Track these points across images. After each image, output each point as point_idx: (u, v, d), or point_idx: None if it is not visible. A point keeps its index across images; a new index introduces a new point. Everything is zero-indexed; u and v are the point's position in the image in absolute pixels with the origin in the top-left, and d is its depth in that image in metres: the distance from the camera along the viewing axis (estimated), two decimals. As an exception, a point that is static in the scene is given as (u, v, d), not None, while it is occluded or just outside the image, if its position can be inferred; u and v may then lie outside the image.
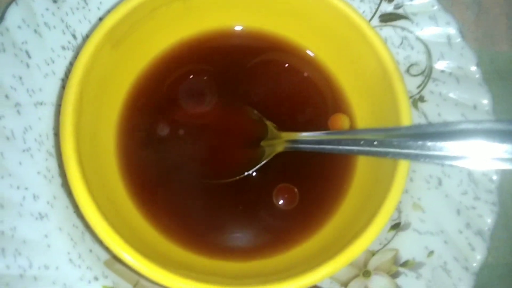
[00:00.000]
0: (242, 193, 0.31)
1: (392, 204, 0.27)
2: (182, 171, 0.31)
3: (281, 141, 0.31)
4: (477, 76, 0.35)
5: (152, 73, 0.33)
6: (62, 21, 0.33)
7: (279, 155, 0.32)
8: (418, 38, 0.36)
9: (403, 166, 0.28)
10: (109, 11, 0.34)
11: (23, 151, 0.31)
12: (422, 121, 0.35)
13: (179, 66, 0.33)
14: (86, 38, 0.34)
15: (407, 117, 0.29)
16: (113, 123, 0.31)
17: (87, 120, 0.28)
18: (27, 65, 0.32)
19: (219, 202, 0.31)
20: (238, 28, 0.34)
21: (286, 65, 0.35)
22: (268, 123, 0.32)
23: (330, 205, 0.31)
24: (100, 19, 0.34)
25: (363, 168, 0.32)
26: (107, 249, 0.29)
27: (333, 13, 0.31)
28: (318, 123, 0.34)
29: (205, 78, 0.33)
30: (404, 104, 0.29)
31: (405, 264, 0.32)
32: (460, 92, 0.35)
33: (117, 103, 0.31)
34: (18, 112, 0.32)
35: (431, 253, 0.32)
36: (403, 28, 0.36)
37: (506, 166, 0.25)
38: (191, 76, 0.33)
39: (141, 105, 0.32)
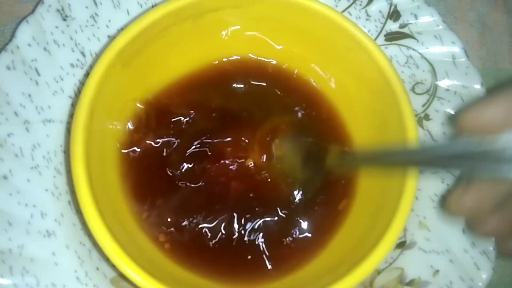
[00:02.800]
0: (248, 216, 0.31)
1: (400, 223, 0.27)
2: (190, 195, 0.31)
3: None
4: (481, 95, 0.35)
5: (162, 93, 0.33)
6: (71, 38, 0.34)
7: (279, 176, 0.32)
8: (423, 57, 0.36)
9: (410, 185, 0.28)
10: (118, 30, 0.34)
11: (31, 168, 0.31)
12: (428, 139, 0.35)
13: (191, 88, 0.33)
14: (95, 55, 0.34)
15: (414, 137, 0.29)
16: (123, 142, 0.31)
17: (97, 139, 0.28)
18: (36, 83, 0.33)
19: (226, 227, 0.31)
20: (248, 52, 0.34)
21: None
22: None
23: (336, 225, 0.31)
24: (109, 36, 0.34)
25: (369, 187, 0.32)
26: (113, 267, 0.29)
27: (339, 31, 0.31)
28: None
29: (218, 108, 0.33)
30: (411, 124, 0.29)
31: (410, 283, 0.32)
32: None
33: (127, 122, 0.32)
34: (27, 129, 0.32)
35: (436, 272, 0.32)
36: (408, 47, 0.36)
37: None
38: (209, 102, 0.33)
39: (152, 125, 0.32)
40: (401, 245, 0.33)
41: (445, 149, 0.25)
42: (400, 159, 0.27)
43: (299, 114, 0.34)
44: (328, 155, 0.31)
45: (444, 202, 0.28)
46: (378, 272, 0.32)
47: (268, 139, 0.33)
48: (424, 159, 0.26)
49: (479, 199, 0.25)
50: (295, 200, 0.32)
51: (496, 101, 0.24)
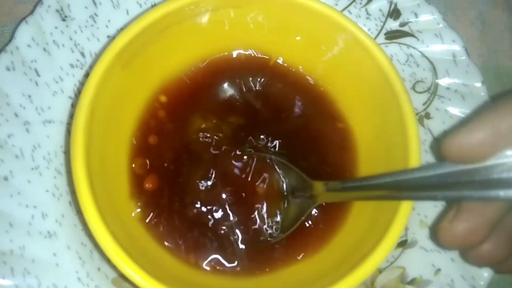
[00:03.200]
0: (250, 216, 0.31)
1: (402, 223, 0.27)
2: (192, 195, 0.31)
3: (320, 191, 0.30)
4: (482, 93, 0.35)
5: (163, 93, 0.33)
6: (71, 39, 0.34)
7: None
8: (423, 55, 0.36)
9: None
10: (117, 30, 0.34)
11: (32, 169, 0.31)
12: (428, 137, 0.35)
13: (192, 88, 0.33)
14: (94, 56, 0.34)
15: (414, 136, 0.29)
16: (123, 143, 0.31)
17: (97, 140, 0.28)
18: (36, 84, 0.33)
19: (231, 225, 0.31)
20: (248, 51, 0.34)
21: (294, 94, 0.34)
22: (299, 172, 0.31)
23: (337, 224, 0.31)
24: (109, 37, 0.34)
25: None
26: (115, 267, 0.29)
27: (339, 30, 0.31)
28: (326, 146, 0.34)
29: (219, 107, 0.33)
30: (411, 123, 0.29)
31: (412, 282, 0.32)
32: (466, 109, 0.35)
33: (127, 123, 0.31)
34: (27, 130, 0.32)
35: (438, 271, 0.32)
36: (408, 46, 0.36)
37: None
38: (203, 102, 0.33)
39: (152, 126, 0.32)
40: (402, 244, 0.33)
41: (431, 178, 0.24)
42: (385, 190, 0.27)
43: (298, 112, 0.34)
44: (313, 188, 0.31)
45: (435, 234, 0.27)
46: (380, 271, 0.32)
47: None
48: (409, 188, 0.25)
49: (470, 227, 0.24)
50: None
51: (480, 125, 0.23)
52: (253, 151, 0.32)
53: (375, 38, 0.36)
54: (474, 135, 0.23)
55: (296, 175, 0.31)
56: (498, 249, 0.25)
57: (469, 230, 0.25)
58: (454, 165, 0.24)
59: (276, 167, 0.32)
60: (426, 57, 0.36)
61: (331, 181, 0.30)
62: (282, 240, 0.31)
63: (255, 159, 0.32)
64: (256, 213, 0.31)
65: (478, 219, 0.24)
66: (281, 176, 0.32)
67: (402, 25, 0.36)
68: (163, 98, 0.33)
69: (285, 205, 0.32)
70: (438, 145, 0.26)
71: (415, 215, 0.33)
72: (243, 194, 0.31)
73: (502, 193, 0.22)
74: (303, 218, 0.31)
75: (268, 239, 0.31)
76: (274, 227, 0.31)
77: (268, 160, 0.32)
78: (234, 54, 0.34)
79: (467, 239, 0.25)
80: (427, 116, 0.35)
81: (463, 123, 0.24)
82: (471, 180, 0.23)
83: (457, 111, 0.35)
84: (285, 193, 0.32)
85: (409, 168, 0.28)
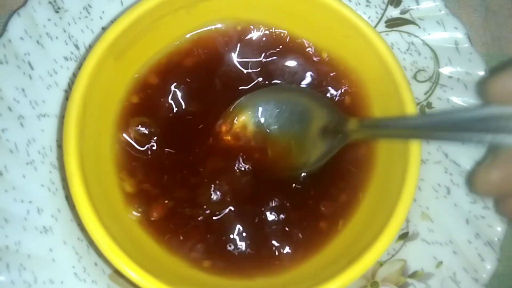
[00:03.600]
0: (247, 207, 0.31)
1: (402, 214, 0.27)
2: (188, 186, 0.31)
3: (354, 128, 0.29)
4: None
5: (156, 84, 0.32)
6: (65, 31, 0.33)
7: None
8: (425, 43, 0.35)
9: (412, 175, 0.28)
10: (112, 21, 0.34)
11: (27, 163, 0.31)
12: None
13: (184, 76, 0.32)
14: (88, 48, 0.33)
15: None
16: (117, 135, 0.31)
17: (90, 132, 0.28)
18: (30, 77, 0.32)
19: (225, 218, 0.30)
20: (244, 35, 0.33)
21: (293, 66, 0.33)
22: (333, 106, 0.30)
23: (338, 217, 0.31)
24: (103, 28, 0.34)
25: (371, 178, 0.31)
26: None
27: (337, 18, 0.31)
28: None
29: (213, 88, 0.32)
30: (412, 113, 0.28)
31: (413, 275, 0.32)
32: (469, 98, 0.34)
33: (121, 116, 0.31)
34: (21, 124, 0.31)
35: (440, 263, 0.32)
36: (409, 34, 0.35)
37: None
38: (199, 86, 0.32)
39: (146, 117, 0.31)
40: (404, 236, 0.32)
41: (473, 113, 0.23)
42: (422, 130, 0.26)
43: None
44: (348, 124, 0.30)
45: (471, 182, 0.27)
46: (380, 264, 0.32)
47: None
48: (448, 124, 0.25)
49: (505, 174, 0.24)
50: (297, 185, 0.31)
51: None
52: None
53: (375, 26, 0.35)
54: None
55: (329, 110, 0.31)
56: None
57: (504, 177, 0.25)
58: (495, 107, 0.23)
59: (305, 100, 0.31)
60: (427, 45, 0.35)
61: (367, 118, 0.30)
62: (283, 234, 0.31)
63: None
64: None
65: None
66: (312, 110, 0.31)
67: (403, 12, 0.35)
68: (157, 87, 0.32)
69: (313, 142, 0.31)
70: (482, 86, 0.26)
71: (416, 207, 0.32)
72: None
73: None
74: (333, 153, 0.30)
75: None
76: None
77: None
78: (229, 43, 0.33)
79: (502, 187, 0.25)
80: (429, 105, 0.35)
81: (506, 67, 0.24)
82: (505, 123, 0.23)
83: (460, 100, 0.34)
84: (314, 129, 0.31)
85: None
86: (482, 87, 0.24)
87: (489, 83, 0.24)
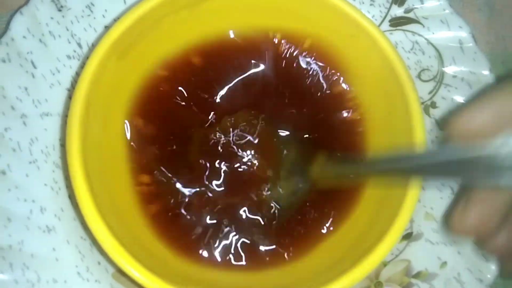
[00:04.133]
0: (254, 210, 0.31)
1: (407, 215, 0.27)
2: (194, 183, 0.31)
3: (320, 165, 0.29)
4: (490, 81, 0.34)
5: (160, 83, 0.32)
6: (67, 29, 0.33)
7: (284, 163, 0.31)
8: (429, 43, 0.35)
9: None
10: (114, 19, 0.34)
11: (30, 163, 0.31)
12: (434, 128, 0.34)
13: (190, 75, 0.32)
14: (91, 47, 0.33)
15: (420, 125, 0.28)
16: (121, 134, 0.31)
17: (93, 131, 0.28)
18: (33, 75, 0.32)
19: (231, 217, 0.30)
20: (249, 33, 0.33)
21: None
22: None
23: (342, 217, 0.31)
24: (106, 27, 0.34)
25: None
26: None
27: (341, 17, 0.30)
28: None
29: (219, 89, 0.32)
30: (416, 113, 0.28)
31: (417, 275, 0.31)
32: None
33: (124, 115, 0.31)
34: (24, 123, 0.31)
35: (444, 264, 0.31)
36: (413, 33, 0.35)
37: None
38: (205, 86, 0.32)
39: (150, 116, 0.31)
40: (408, 236, 0.32)
41: (437, 157, 0.24)
42: (390, 168, 0.26)
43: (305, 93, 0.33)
44: (314, 163, 0.30)
45: (447, 224, 0.27)
46: (384, 264, 0.32)
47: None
48: (415, 167, 0.25)
49: (482, 215, 0.24)
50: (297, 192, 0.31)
51: (486, 104, 0.23)
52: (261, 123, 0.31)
53: (379, 25, 0.35)
54: (479, 115, 0.23)
55: (297, 147, 0.31)
56: None
57: (481, 219, 0.24)
58: (457, 148, 0.23)
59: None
60: (432, 44, 0.35)
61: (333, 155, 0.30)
62: (286, 233, 0.31)
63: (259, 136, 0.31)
64: (256, 194, 0.31)
65: (489, 208, 0.24)
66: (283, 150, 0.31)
67: (407, 11, 0.35)
68: (161, 86, 0.32)
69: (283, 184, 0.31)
70: (442, 124, 0.26)
71: (420, 207, 0.32)
72: (246, 176, 0.31)
73: (503, 180, 0.21)
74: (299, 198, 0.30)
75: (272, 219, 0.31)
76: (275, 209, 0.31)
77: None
78: (231, 35, 0.33)
79: (480, 228, 0.24)
80: (433, 105, 0.34)
81: (468, 103, 0.24)
82: (477, 163, 0.22)
83: (464, 100, 0.34)
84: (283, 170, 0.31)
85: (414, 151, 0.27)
86: (445, 122, 0.24)
87: (451, 121, 0.24)
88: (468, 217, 0.24)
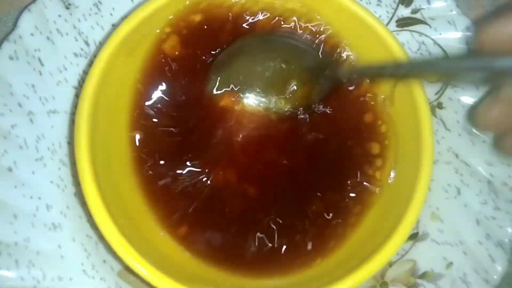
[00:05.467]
0: (263, 208, 0.30)
1: (414, 215, 0.27)
2: (203, 183, 0.30)
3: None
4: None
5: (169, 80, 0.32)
6: (75, 27, 0.33)
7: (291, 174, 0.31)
8: (436, 43, 0.35)
9: (424, 176, 0.27)
10: (122, 18, 0.34)
11: (36, 160, 0.31)
12: (441, 128, 0.34)
13: (197, 73, 0.32)
14: (98, 44, 0.33)
15: (428, 126, 0.28)
16: (129, 131, 0.31)
17: (102, 129, 0.28)
18: (40, 73, 0.32)
19: (240, 216, 0.30)
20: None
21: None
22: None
23: (348, 218, 0.31)
24: (113, 25, 0.34)
25: (383, 179, 0.31)
26: (120, 259, 0.29)
27: (350, 17, 0.30)
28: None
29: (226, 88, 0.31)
30: (424, 113, 0.28)
31: (423, 275, 0.31)
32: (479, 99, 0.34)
33: (133, 113, 0.31)
34: (31, 120, 0.31)
35: (450, 264, 0.31)
36: (420, 33, 0.35)
37: None
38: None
39: (159, 114, 0.31)
40: (414, 236, 0.32)
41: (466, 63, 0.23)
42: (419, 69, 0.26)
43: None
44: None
45: (471, 116, 0.27)
46: (390, 264, 0.32)
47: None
48: (443, 65, 0.25)
49: (506, 112, 0.24)
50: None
51: None
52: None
53: (386, 25, 0.35)
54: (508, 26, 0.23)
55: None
56: None
57: (505, 114, 0.25)
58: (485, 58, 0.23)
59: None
60: (438, 45, 0.35)
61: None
62: (292, 236, 0.30)
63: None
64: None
65: None
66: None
67: (414, 12, 0.35)
68: (170, 84, 0.31)
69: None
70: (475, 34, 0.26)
71: (426, 208, 0.32)
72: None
73: None
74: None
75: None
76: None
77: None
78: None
79: (502, 123, 0.25)
80: (440, 106, 0.34)
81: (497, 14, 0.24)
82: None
83: (471, 100, 0.34)
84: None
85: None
86: (473, 36, 0.24)
87: (480, 31, 0.24)
88: (492, 111, 0.25)
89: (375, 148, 0.31)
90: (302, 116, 0.32)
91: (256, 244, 0.30)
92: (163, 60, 0.31)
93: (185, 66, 0.31)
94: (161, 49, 0.31)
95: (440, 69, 0.26)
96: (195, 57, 0.31)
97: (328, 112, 0.32)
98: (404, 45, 0.35)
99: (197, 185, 0.30)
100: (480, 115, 0.25)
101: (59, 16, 0.33)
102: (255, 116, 0.31)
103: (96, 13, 0.33)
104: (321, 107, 0.32)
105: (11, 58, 0.31)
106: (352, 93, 0.32)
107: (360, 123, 0.32)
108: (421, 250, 0.32)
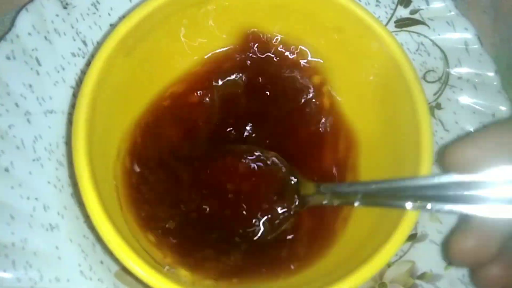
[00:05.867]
0: (249, 216, 0.30)
1: (413, 216, 0.27)
2: (193, 195, 0.30)
3: (311, 193, 0.29)
4: (495, 83, 0.34)
5: (167, 83, 0.32)
6: (72, 27, 0.33)
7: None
8: (434, 44, 0.35)
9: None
10: (120, 18, 0.33)
11: (33, 160, 0.31)
12: (439, 129, 0.34)
13: (197, 77, 0.32)
14: (96, 44, 0.33)
15: (427, 128, 0.28)
16: (126, 132, 0.31)
17: (99, 130, 0.27)
18: (37, 73, 0.32)
19: (228, 227, 0.30)
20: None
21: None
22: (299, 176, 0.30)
23: (346, 219, 0.31)
24: (111, 25, 0.33)
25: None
26: (118, 260, 0.29)
27: (349, 17, 0.30)
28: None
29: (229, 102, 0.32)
30: (424, 114, 0.28)
31: (422, 276, 0.31)
32: (478, 100, 0.34)
33: (131, 113, 0.31)
34: (28, 121, 0.31)
35: (448, 265, 0.31)
36: (419, 34, 0.35)
37: None
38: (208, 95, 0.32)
39: (157, 114, 0.31)
40: (412, 237, 0.32)
41: (430, 187, 0.25)
42: (380, 197, 0.26)
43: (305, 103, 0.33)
44: (303, 188, 0.29)
45: (445, 250, 0.28)
46: (389, 265, 0.32)
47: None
48: (406, 196, 0.25)
49: (480, 243, 0.25)
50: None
51: (485, 138, 0.25)
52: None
53: (385, 26, 0.35)
54: (478, 147, 0.24)
55: (284, 173, 0.30)
56: (507, 272, 0.25)
57: (479, 246, 0.25)
58: (452, 177, 0.24)
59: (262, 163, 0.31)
60: (437, 45, 0.35)
61: (324, 183, 0.29)
62: (289, 236, 0.30)
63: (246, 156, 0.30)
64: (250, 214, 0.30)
65: (487, 236, 0.25)
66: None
67: (412, 12, 0.35)
68: (168, 86, 0.32)
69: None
70: (441, 153, 0.27)
71: (425, 208, 0.32)
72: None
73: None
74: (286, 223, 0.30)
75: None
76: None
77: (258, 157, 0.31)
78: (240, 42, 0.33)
79: (477, 256, 0.25)
80: (438, 106, 0.34)
81: (468, 135, 0.26)
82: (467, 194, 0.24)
83: (469, 101, 0.34)
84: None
85: (406, 176, 0.27)
86: (440, 155, 0.25)
87: (448, 152, 0.25)
88: (467, 243, 0.25)
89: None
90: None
91: (252, 250, 0.30)
92: None
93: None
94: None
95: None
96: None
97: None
98: (403, 46, 0.34)
99: (191, 193, 0.30)
100: (454, 249, 0.25)
101: (57, 15, 0.33)
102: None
103: (94, 13, 0.33)
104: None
105: (8, 57, 0.31)
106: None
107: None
108: (420, 251, 0.32)
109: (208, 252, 0.29)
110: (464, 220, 0.26)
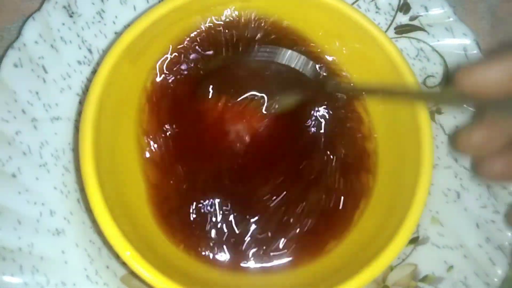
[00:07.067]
0: (262, 208, 0.31)
1: (414, 219, 0.27)
2: (208, 188, 0.31)
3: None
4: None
5: (172, 87, 0.32)
6: (78, 35, 0.33)
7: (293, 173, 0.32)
8: (434, 50, 0.36)
9: (424, 181, 0.28)
10: (125, 26, 0.34)
11: (40, 166, 0.31)
12: (440, 133, 0.34)
13: (201, 79, 0.32)
14: (102, 52, 0.34)
15: (428, 132, 0.29)
16: (133, 138, 0.31)
17: (106, 136, 0.28)
18: (44, 80, 0.32)
19: (242, 220, 0.31)
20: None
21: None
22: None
23: (349, 220, 0.31)
24: (116, 33, 0.34)
25: (382, 182, 0.32)
26: (124, 265, 0.29)
27: (349, 24, 0.31)
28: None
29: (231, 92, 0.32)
30: (424, 119, 0.29)
31: (424, 279, 0.32)
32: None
33: (137, 119, 0.31)
34: (35, 127, 0.32)
35: (450, 268, 0.32)
36: (418, 40, 0.36)
37: None
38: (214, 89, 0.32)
39: (163, 119, 0.31)
40: (414, 240, 0.32)
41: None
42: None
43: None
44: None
45: (454, 138, 0.28)
46: (391, 268, 0.32)
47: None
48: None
49: (488, 136, 0.25)
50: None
51: (498, 63, 0.23)
52: None
53: (385, 32, 0.35)
54: (491, 72, 0.23)
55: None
56: (510, 166, 0.26)
57: (487, 136, 0.25)
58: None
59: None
60: (436, 51, 0.35)
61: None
62: (293, 238, 0.31)
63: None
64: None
65: (495, 131, 0.25)
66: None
67: (412, 19, 0.36)
68: (173, 91, 0.32)
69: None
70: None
71: (426, 211, 0.33)
72: None
73: None
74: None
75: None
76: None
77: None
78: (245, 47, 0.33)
79: (482, 147, 0.25)
80: (438, 111, 0.35)
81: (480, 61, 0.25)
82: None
83: (469, 106, 0.34)
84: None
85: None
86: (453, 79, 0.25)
87: (460, 74, 0.24)
88: (474, 134, 0.25)
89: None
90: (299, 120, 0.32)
91: (258, 249, 0.30)
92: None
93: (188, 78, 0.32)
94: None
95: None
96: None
97: (323, 118, 0.33)
98: (403, 52, 0.35)
99: (199, 190, 0.31)
100: (462, 137, 0.26)
101: (63, 24, 0.33)
102: (251, 116, 0.32)
103: (99, 21, 0.34)
104: (317, 112, 0.33)
105: (15, 65, 0.32)
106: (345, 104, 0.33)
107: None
108: (422, 254, 0.32)
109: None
110: (478, 112, 0.27)
